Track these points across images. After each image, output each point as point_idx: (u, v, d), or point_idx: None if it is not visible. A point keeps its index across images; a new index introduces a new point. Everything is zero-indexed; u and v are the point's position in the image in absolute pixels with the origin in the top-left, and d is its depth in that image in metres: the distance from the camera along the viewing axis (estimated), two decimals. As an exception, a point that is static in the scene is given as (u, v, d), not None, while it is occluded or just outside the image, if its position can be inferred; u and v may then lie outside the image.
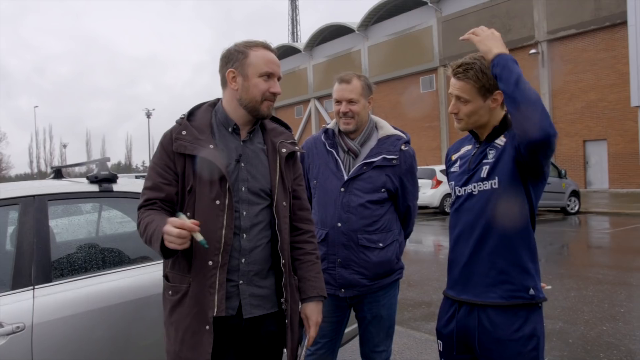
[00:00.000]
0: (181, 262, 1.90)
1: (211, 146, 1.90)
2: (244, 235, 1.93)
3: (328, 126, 2.74)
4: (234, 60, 1.96)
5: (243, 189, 1.94)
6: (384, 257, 2.55)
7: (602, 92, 22.63)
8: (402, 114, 30.82)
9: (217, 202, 1.87)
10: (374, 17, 33.60)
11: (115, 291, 2.46)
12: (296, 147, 2.11)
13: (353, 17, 50.65)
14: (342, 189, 2.56)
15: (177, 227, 1.67)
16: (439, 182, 16.96)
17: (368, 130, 2.64)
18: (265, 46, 1.99)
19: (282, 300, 1.98)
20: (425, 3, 29.64)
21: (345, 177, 2.56)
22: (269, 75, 1.96)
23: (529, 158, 1.86)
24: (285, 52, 41.37)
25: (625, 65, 19.52)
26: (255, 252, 1.95)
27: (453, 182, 2.14)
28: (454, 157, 2.21)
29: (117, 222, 3.14)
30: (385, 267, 2.57)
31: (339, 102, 2.61)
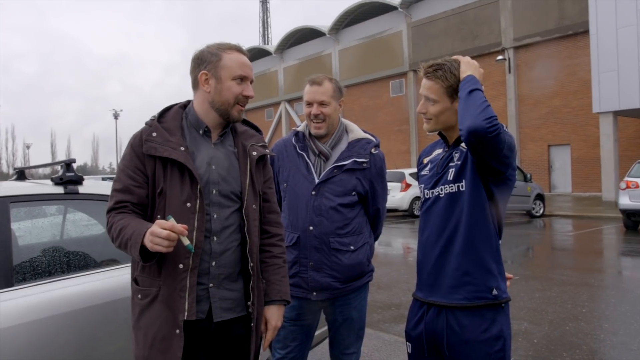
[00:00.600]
0: (151, 265, 1.87)
1: (182, 148, 1.89)
2: (215, 238, 1.91)
3: (298, 129, 2.74)
4: (207, 62, 1.94)
5: (214, 191, 1.93)
6: (356, 260, 2.57)
7: (566, 99, 23.28)
8: (372, 117, 31.08)
9: (188, 204, 1.85)
10: (345, 21, 33.81)
11: (80, 295, 2.41)
12: (267, 150, 2.11)
13: (324, 20, 50.86)
14: (313, 192, 2.56)
15: (166, 229, 1.66)
16: (408, 185, 17.15)
17: (339, 134, 2.66)
18: (238, 49, 1.99)
19: (249, 303, 1.98)
20: (396, 8, 29.98)
21: (317, 180, 2.57)
22: (242, 79, 1.95)
23: (474, 155, 1.92)
24: (256, 54, 41.20)
25: (588, 72, 20.14)
26: (226, 255, 1.94)
27: (423, 185, 2.17)
28: (425, 161, 2.25)
29: (83, 225, 3.07)
30: (356, 270, 2.58)
31: (310, 104, 2.61)
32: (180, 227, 1.69)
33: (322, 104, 2.58)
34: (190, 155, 1.90)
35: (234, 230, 1.96)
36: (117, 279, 2.54)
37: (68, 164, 2.94)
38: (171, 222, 1.70)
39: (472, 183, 1.97)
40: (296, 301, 2.60)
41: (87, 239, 2.98)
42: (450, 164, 2.04)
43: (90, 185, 2.79)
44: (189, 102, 2.06)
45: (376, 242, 2.86)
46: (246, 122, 2.18)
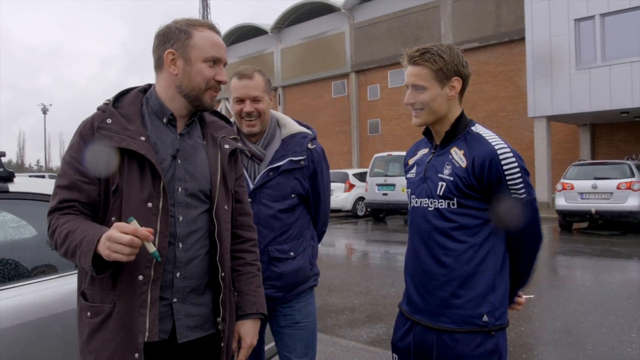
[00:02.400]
0: (104, 276, 1.56)
1: (142, 138, 1.59)
2: (180, 245, 1.63)
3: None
4: (174, 39, 1.65)
5: (179, 190, 1.65)
6: (296, 266, 2.35)
7: (501, 103, 24.10)
8: (314, 117, 30.98)
9: (149, 204, 1.56)
10: (288, 20, 33.54)
11: (9, 311, 2.05)
12: (239, 144, 1.85)
13: (267, 19, 50.45)
14: (249, 200, 2.31)
15: (128, 234, 1.39)
16: (351, 186, 17.15)
17: (271, 130, 2.39)
18: (211, 27, 1.71)
19: (219, 319, 1.70)
20: (339, 9, 30.03)
21: (252, 186, 2.30)
22: (215, 61, 1.69)
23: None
24: (196, 50, 40.16)
25: (522, 78, 20.90)
26: (192, 264, 1.66)
27: (409, 190, 2.00)
28: (410, 162, 2.08)
29: (12, 228, 2.67)
30: (298, 276, 2.36)
31: (241, 100, 2.30)
32: (145, 230, 1.42)
33: (255, 99, 2.29)
34: (153, 147, 1.61)
35: (202, 236, 1.69)
36: (53, 290, 2.21)
37: (-4, 156, 2.56)
38: (133, 224, 1.42)
39: (466, 202, 1.82)
40: None
41: (18, 243, 2.59)
42: (440, 175, 1.86)
43: (23, 183, 2.44)
44: (150, 85, 1.76)
45: (320, 244, 2.64)
46: (215, 113, 1.90)
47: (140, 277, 1.54)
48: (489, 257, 1.84)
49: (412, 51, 1.88)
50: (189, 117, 1.74)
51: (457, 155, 1.84)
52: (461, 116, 1.91)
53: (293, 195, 2.33)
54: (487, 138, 1.82)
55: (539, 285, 6.86)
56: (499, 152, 1.78)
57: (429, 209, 1.87)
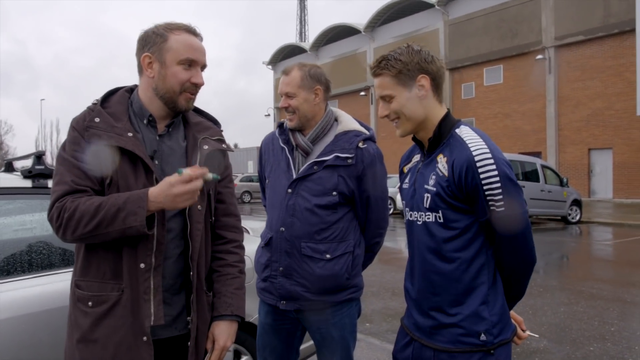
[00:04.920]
0: (100, 266, 1.65)
1: (130, 134, 1.66)
2: None
3: (286, 121, 2.47)
4: (151, 43, 1.71)
5: None
6: (331, 271, 2.25)
7: (608, 100, 22.27)
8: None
9: None
10: (381, 19, 33.33)
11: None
12: (223, 145, 1.86)
13: (361, 18, 50.46)
14: (289, 190, 2.29)
15: (190, 181, 1.56)
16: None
17: (322, 125, 2.36)
18: (188, 30, 1.73)
19: (189, 318, 1.73)
20: (433, 6, 29.32)
21: (294, 177, 2.30)
22: (190, 63, 1.71)
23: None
24: (292, 51, 41.15)
25: (633, 73, 19.17)
26: (167, 264, 1.70)
27: (404, 202, 1.90)
28: (405, 169, 1.97)
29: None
30: (331, 283, 2.27)
31: (281, 96, 2.36)
32: (196, 170, 1.59)
33: (287, 95, 2.32)
34: (140, 142, 1.67)
35: (176, 236, 1.72)
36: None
37: (39, 156, 2.78)
38: (186, 172, 1.57)
39: (452, 215, 1.69)
40: (269, 307, 2.36)
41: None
42: (426, 186, 1.74)
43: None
44: (136, 86, 1.83)
45: (373, 256, 2.51)
46: (202, 113, 1.93)
47: (142, 265, 1.62)
48: (482, 272, 1.71)
49: (372, 64, 1.80)
50: (169, 119, 1.78)
51: (441, 163, 1.72)
52: (445, 118, 1.77)
53: (334, 193, 2.26)
54: (467, 142, 1.67)
55: (624, 301, 6.22)
56: (476, 157, 1.61)
57: (418, 222, 1.78)
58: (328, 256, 2.26)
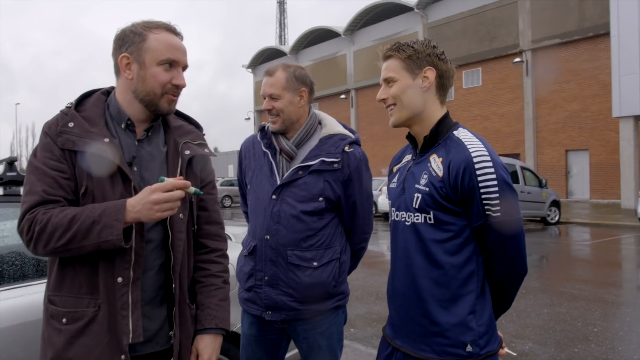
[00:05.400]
0: (75, 280, 1.55)
1: (106, 139, 1.56)
2: None
3: (267, 124, 2.39)
4: (128, 43, 1.62)
5: None
6: (318, 279, 2.18)
7: (584, 102, 22.62)
8: (387, 119, 30.36)
9: None
10: (360, 22, 33.41)
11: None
12: (205, 150, 1.78)
13: (341, 21, 50.51)
14: (274, 196, 2.21)
15: (170, 190, 1.48)
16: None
17: (306, 129, 2.29)
18: (168, 28, 1.65)
19: (171, 333, 1.65)
20: (412, 9, 29.50)
21: (278, 182, 2.23)
22: (171, 64, 1.63)
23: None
24: (272, 54, 41.01)
25: (608, 76, 19.51)
26: (147, 276, 1.61)
27: (390, 202, 1.84)
28: (395, 169, 1.91)
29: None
30: (318, 291, 2.20)
31: (264, 97, 2.28)
32: (180, 180, 1.51)
33: (272, 97, 2.24)
34: (116, 148, 1.58)
35: (157, 247, 1.64)
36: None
37: (10, 162, 2.67)
38: (167, 181, 1.50)
39: (444, 217, 1.63)
40: (253, 318, 2.28)
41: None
42: (417, 186, 1.68)
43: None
44: (113, 88, 1.73)
45: (357, 261, 2.45)
46: (184, 117, 1.85)
47: (120, 279, 1.53)
48: (471, 280, 1.65)
49: (386, 48, 1.77)
50: (149, 122, 1.69)
51: (436, 163, 1.66)
52: (444, 119, 1.73)
53: (321, 199, 2.20)
54: (466, 143, 1.62)
55: (605, 301, 6.28)
56: (475, 159, 1.57)
57: (406, 223, 1.71)
58: (315, 264, 2.19)
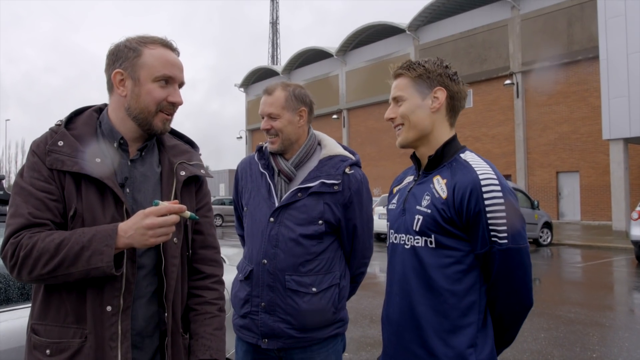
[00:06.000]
0: (61, 308, 1.45)
1: (97, 160, 1.48)
2: None
3: (265, 144, 2.32)
4: (122, 58, 1.55)
5: None
6: (317, 306, 2.09)
7: (574, 125, 22.84)
8: (378, 140, 30.73)
9: None
10: (353, 43, 33.71)
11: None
12: (202, 171, 1.70)
13: (334, 42, 50.96)
14: (272, 219, 2.13)
15: (165, 214, 1.40)
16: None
17: (306, 149, 2.22)
18: (164, 44, 1.58)
19: None
20: (404, 31, 29.83)
21: (277, 204, 2.15)
22: (167, 80, 1.56)
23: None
24: (264, 74, 41.19)
25: (597, 98, 19.73)
26: (138, 305, 1.51)
27: (389, 224, 1.78)
28: (395, 190, 1.85)
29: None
30: (317, 318, 2.11)
31: (263, 117, 2.21)
32: (175, 205, 1.43)
33: (270, 116, 2.17)
34: (108, 169, 1.50)
35: (149, 273, 1.54)
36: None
37: (-3, 181, 2.58)
38: (162, 205, 1.42)
39: (446, 241, 1.56)
40: (248, 346, 2.18)
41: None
42: (418, 207, 1.62)
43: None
44: (105, 105, 1.66)
45: (356, 286, 2.37)
46: (179, 136, 1.77)
47: (109, 308, 1.44)
48: (473, 310, 1.56)
49: (398, 67, 1.71)
50: (142, 142, 1.62)
51: (439, 184, 1.60)
52: (451, 141, 1.67)
53: (320, 222, 2.11)
54: (473, 166, 1.57)
55: (602, 325, 6.21)
56: (483, 181, 1.51)
57: (406, 246, 1.64)
58: (314, 290, 2.10)
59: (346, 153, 2.25)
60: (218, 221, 26.34)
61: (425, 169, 1.68)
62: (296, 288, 2.08)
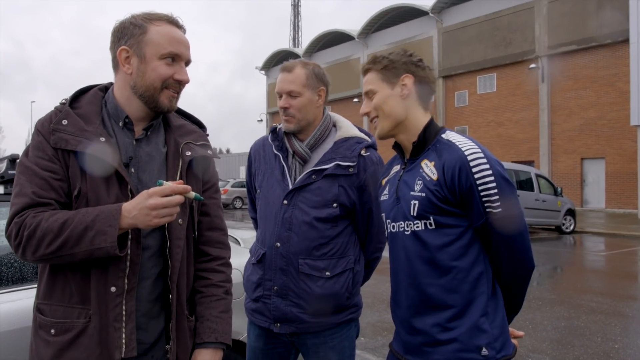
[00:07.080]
0: (66, 288, 1.44)
1: (102, 139, 1.46)
2: None
3: (279, 125, 2.27)
4: (128, 35, 1.50)
5: None
6: (330, 290, 2.05)
7: (601, 110, 22.29)
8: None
9: None
10: (375, 25, 33.31)
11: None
12: (208, 151, 1.66)
13: (355, 24, 50.47)
14: (285, 202, 2.09)
15: (169, 194, 1.38)
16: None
17: (321, 130, 2.17)
18: (170, 20, 1.54)
19: (168, 347, 1.53)
20: (427, 13, 29.33)
21: (290, 187, 2.10)
22: (173, 58, 1.51)
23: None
24: (285, 57, 41.02)
25: (626, 83, 19.19)
26: (142, 285, 1.49)
27: (384, 214, 1.79)
28: (384, 182, 1.86)
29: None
30: (330, 303, 2.07)
31: (280, 95, 2.14)
32: (179, 185, 1.41)
33: (290, 94, 2.11)
34: (113, 148, 1.47)
35: (154, 254, 1.52)
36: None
37: (12, 160, 2.58)
38: (166, 185, 1.40)
39: (445, 220, 1.60)
40: (260, 330, 2.15)
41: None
42: (412, 193, 1.64)
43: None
44: (111, 84, 1.62)
45: (371, 271, 2.32)
46: (186, 115, 1.73)
47: (113, 289, 1.43)
48: (481, 281, 1.61)
49: (365, 63, 1.81)
50: (148, 121, 1.58)
51: (428, 167, 1.64)
52: (429, 124, 1.71)
53: (335, 205, 2.07)
54: (457, 143, 1.61)
55: (625, 316, 6.07)
56: (469, 157, 1.55)
57: (406, 232, 1.66)
58: (328, 274, 2.06)
59: (362, 135, 2.19)
60: (238, 203, 26.51)
61: (411, 155, 1.72)
62: (309, 272, 2.05)
